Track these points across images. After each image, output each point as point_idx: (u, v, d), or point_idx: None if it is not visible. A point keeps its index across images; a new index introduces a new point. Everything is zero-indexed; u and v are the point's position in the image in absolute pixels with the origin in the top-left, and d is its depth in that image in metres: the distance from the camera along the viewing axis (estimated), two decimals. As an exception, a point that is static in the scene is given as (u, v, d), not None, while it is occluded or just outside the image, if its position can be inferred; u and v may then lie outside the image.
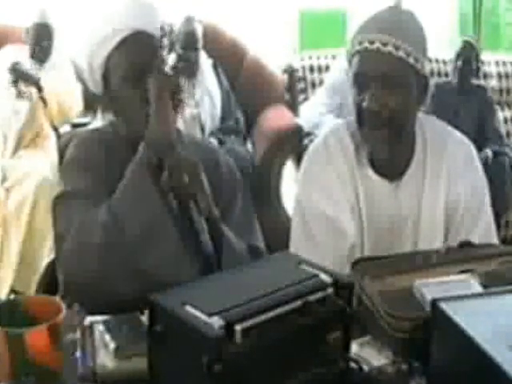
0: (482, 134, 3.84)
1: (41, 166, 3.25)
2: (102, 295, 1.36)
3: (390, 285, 1.27)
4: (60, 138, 3.47)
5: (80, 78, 3.71)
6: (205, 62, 3.81)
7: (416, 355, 1.14)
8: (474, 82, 4.03)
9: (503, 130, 4.13)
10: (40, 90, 3.44)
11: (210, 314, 0.94)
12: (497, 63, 4.53)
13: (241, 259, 1.48)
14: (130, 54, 1.48)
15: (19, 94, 3.45)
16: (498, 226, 3.38)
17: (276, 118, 3.70)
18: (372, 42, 1.50)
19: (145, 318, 1.18)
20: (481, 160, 1.77)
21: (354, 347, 1.16)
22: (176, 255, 1.44)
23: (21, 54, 3.67)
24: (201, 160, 1.52)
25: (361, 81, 1.53)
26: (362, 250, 1.61)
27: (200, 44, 3.70)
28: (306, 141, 3.48)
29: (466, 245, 1.44)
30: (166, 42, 1.54)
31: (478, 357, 0.93)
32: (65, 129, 3.63)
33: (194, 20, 3.68)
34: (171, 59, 1.48)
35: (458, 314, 1.01)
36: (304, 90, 4.15)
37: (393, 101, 1.50)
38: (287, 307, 1.00)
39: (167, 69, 1.50)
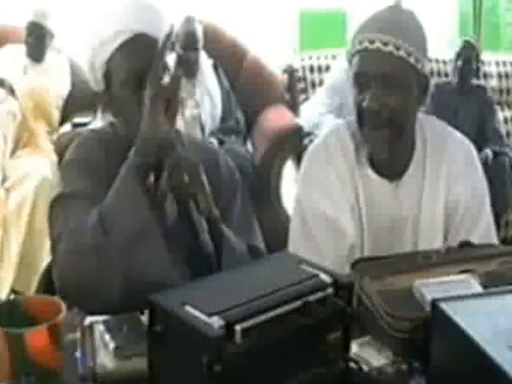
0: (482, 134, 3.85)
1: (41, 166, 3.25)
2: (97, 297, 1.35)
3: (389, 285, 1.27)
4: (60, 137, 3.48)
5: (77, 78, 3.73)
6: (205, 62, 3.81)
7: (416, 355, 1.14)
8: (474, 82, 4.03)
9: (503, 130, 4.14)
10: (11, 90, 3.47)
11: (210, 314, 0.94)
12: (497, 63, 4.54)
13: (241, 259, 1.48)
14: (131, 58, 1.47)
15: None
16: (498, 226, 3.38)
17: (276, 118, 3.70)
18: (372, 42, 1.50)
19: (145, 318, 1.18)
20: (481, 160, 1.77)
21: (354, 347, 1.16)
22: (162, 264, 1.42)
23: (19, 52, 3.69)
24: (200, 160, 1.52)
25: (361, 80, 1.53)
26: (362, 250, 1.61)
27: (200, 44, 3.70)
28: (306, 141, 3.48)
29: (466, 245, 1.44)
30: (168, 44, 1.54)
31: (478, 357, 0.93)
32: (65, 128, 3.63)
33: (194, 20, 3.68)
34: (171, 59, 1.49)
35: (458, 314, 1.01)
36: (304, 90, 4.15)
37: (393, 101, 1.50)
38: (287, 307, 1.00)
39: (167, 74, 1.49)
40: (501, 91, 4.48)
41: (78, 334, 1.23)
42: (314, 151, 1.68)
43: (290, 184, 3.39)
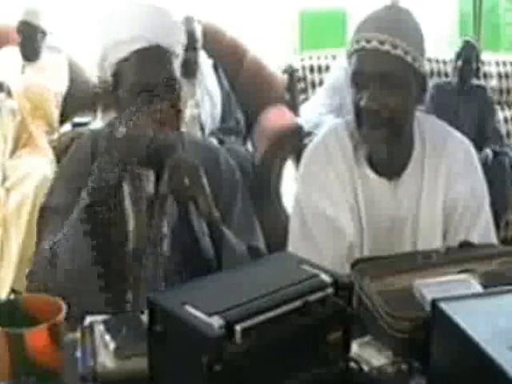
0: (481, 134, 3.85)
1: (41, 166, 3.25)
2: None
3: (389, 285, 1.27)
4: (60, 137, 3.48)
5: (77, 78, 3.73)
6: (205, 62, 3.81)
7: (416, 355, 1.14)
8: (474, 82, 4.03)
9: (503, 130, 4.14)
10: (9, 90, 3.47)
11: (210, 314, 0.94)
12: (497, 63, 4.53)
13: (241, 261, 1.48)
14: (143, 68, 1.46)
15: None
16: (498, 227, 3.38)
17: (276, 117, 3.70)
18: (369, 41, 1.50)
19: (145, 318, 1.18)
20: (481, 160, 1.78)
21: (354, 347, 1.16)
22: (99, 308, 1.42)
23: (16, 54, 3.70)
24: (201, 159, 1.52)
25: (359, 80, 1.52)
26: (362, 250, 1.61)
27: (199, 44, 3.71)
28: (306, 141, 3.48)
29: (465, 245, 1.44)
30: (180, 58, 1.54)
31: (478, 357, 0.93)
32: (65, 128, 3.63)
33: (193, 20, 3.68)
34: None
35: (458, 314, 1.01)
36: (304, 90, 4.14)
37: (391, 100, 1.50)
38: (287, 307, 1.00)
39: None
40: (501, 91, 4.48)
41: (78, 334, 1.23)
42: (312, 151, 1.68)
43: (290, 184, 3.39)
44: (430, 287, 1.20)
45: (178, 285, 1.37)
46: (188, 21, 3.66)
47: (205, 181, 1.47)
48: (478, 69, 4.02)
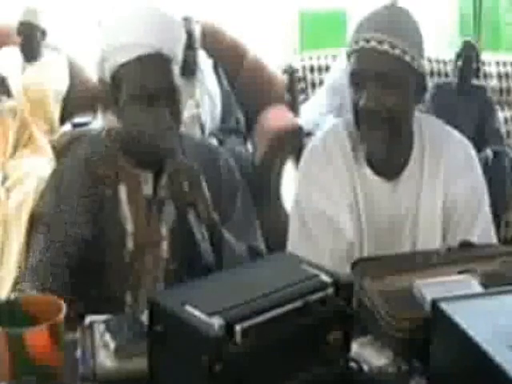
0: (481, 134, 3.85)
1: (41, 166, 3.24)
2: None
3: (389, 285, 1.27)
4: (60, 137, 3.48)
5: (77, 78, 3.73)
6: (205, 62, 3.81)
7: (416, 355, 1.14)
8: (474, 82, 4.03)
9: (503, 130, 4.13)
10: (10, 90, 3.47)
11: (210, 314, 0.94)
12: (497, 63, 4.53)
13: (241, 263, 1.48)
14: (144, 75, 1.46)
15: None
16: (498, 226, 3.38)
17: (276, 118, 3.69)
18: (368, 41, 1.50)
19: (145, 318, 1.18)
20: (481, 160, 1.78)
21: (354, 347, 1.16)
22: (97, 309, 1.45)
23: (16, 54, 3.70)
24: (200, 161, 1.53)
25: (358, 80, 1.52)
26: (361, 250, 1.61)
27: (198, 44, 3.71)
28: (306, 141, 3.48)
29: (465, 245, 1.44)
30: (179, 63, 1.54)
31: (478, 357, 0.93)
32: (65, 128, 3.63)
33: (191, 20, 3.68)
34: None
35: (458, 313, 1.01)
36: (304, 90, 4.15)
37: (390, 100, 1.50)
38: (287, 307, 1.00)
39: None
40: (501, 91, 4.48)
41: (77, 334, 1.23)
42: (312, 151, 1.68)
43: (290, 184, 3.39)
44: (430, 287, 1.20)
45: (178, 285, 1.37)
46: (187, 21, 3.66)
47: (204, 185, 1.48)
48: (478, 69, 4.02)
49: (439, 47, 5.15)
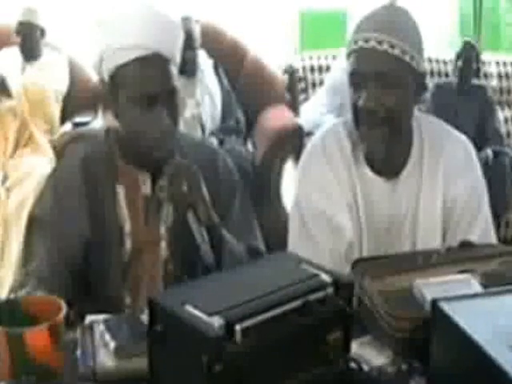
0: (482, 134, 3.84)
1: (41, 166, 3.24)
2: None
3: (389, 285, 1.27)
4: (60, 137, 3.48)
5: (77, 78, 3.73)
6: (205, 62, 3.81)
7: (416, 355, 1.14)
8: (475, 82, 4.03)
9: (503, 129, 4.13)
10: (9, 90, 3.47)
11: (210, 314, 0.94)
12: (497, 63, 4.53)
13: (241, 263, 1.48)
14: (143, 76, 1.45)
15: None
16: (498, 226, 3.38)
17: (276, 117, 3.69)
18: (367, 41, 1.50)
19: (145, 318, 1.18)
20: (481, 160, 1.78)
21: (354, 347, 1.16)
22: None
23: (15, 54, 3.70)
24: (198, 161, 1.53)
25: (357, 80, 1.52)
26: (361, 249, 1.61)
27: (197, 43, 3.71)
28: (306, 141, 3.47)
29: (465, 245, 1.44)
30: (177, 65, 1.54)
31: (478, 357, 0.93)
32: (65, 128, 3.63)
33: (191, 20, 3.68)
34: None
35: (458, 314, 1.01)
36: (304, 90, 4.14)
37: (389, 100, 1.50)
38: (287, 307, 1.00)
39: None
40: (501, 91, 4.47)
41: (77, 334, 1.23)
42: (311, 151, 1.68)
43: (290, 184, 3.38)
44: (430, 287, 1.20)
45: (178, 285, 1.37)
46: (186, 20, 3.66)
47: (204, 187, 1.48)
48: (478, 69, 4.02)
49: (439, 47, 5.15)
